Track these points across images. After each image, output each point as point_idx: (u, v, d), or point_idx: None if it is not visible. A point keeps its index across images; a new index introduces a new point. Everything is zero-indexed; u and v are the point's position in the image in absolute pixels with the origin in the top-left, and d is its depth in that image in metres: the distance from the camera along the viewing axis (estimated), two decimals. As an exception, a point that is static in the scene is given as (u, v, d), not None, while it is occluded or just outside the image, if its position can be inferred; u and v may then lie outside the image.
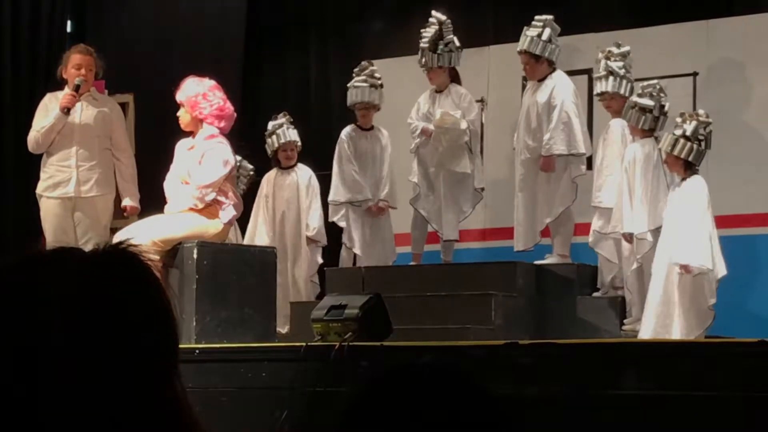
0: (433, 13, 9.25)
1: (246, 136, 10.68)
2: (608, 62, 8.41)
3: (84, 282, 1.50)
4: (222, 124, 7.88)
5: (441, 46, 9.13)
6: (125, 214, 8.34)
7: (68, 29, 11.52)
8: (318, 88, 11.43)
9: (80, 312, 1.47)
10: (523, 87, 9.82)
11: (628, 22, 9.47)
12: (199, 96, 7.82)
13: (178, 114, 7.90)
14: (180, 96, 7.87)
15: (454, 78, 9.26)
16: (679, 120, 7.87)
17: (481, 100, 10.10)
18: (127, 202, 8.35)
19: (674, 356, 6.04)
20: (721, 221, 8.71)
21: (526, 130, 8.69)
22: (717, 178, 8.92)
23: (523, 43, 8.64)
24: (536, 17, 8.72)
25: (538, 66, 8.68)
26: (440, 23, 9.16)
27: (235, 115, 7.97)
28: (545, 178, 8.60)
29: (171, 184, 7.91)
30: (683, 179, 7.81)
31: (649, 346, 6.58)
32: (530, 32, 8.64)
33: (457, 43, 9.14)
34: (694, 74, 9.32)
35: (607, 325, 8.05)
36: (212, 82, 7.95)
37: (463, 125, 9.05)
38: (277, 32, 11.45)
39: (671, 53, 9.33)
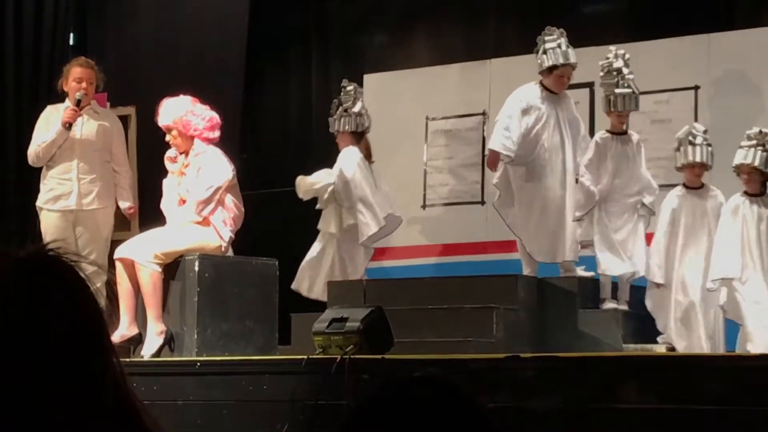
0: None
1: (247, 149, 10.70)
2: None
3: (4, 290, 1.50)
4: (216, 134, 7.90)
5: (340, 111, 9.24)
6: (129, 214, 8.31)
7: (70, 42, 11.53)
8: (319, 101, 11.43)
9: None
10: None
11: (629, 35, 9.48)
12: (189, 113, 7.81)
13: (168, 140, 7.88)
14: (165, 120, 7.85)
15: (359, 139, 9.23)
16: (754, 134, 7.89)
17: (483, 113, 10.12)
18: (130, 203, 8.35)
19: (675, 370, 6.04)
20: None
21: (570, 146, 8.58)
22: (719, 191, 8.93)
23: (574, 56, 8.53)
24: (553, 29, 8.61)
25: None
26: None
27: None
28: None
29: (168, 202, 7.92)
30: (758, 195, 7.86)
31: (650, 360, 6.58)
32: (565, 44, 8.54)
33: (357, 109, 9.21)
34: (696, 88, 9.33)
35: (609, 339, 8.04)
36: (188, 97, 7.95)
37: (320, 183, 9.05)
38: (279, 45, 11.47)
39: (673, 67, 9.34)
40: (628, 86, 8.31)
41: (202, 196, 7.75)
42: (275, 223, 10.82)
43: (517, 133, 8.45)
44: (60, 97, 8.43)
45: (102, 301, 1.58)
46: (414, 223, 10.23)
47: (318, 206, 9.13)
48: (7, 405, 1.46)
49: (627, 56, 8.39)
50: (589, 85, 9.37)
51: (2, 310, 1.49)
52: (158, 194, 8.14)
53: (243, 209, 8.00)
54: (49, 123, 8.28)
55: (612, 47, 8.48)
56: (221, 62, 11.13)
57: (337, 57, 11.36)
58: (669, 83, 9.27)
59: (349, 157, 9.03)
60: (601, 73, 8.38)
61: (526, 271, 8.58)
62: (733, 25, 9.47)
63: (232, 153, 8.34)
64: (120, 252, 7.73)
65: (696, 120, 9.21)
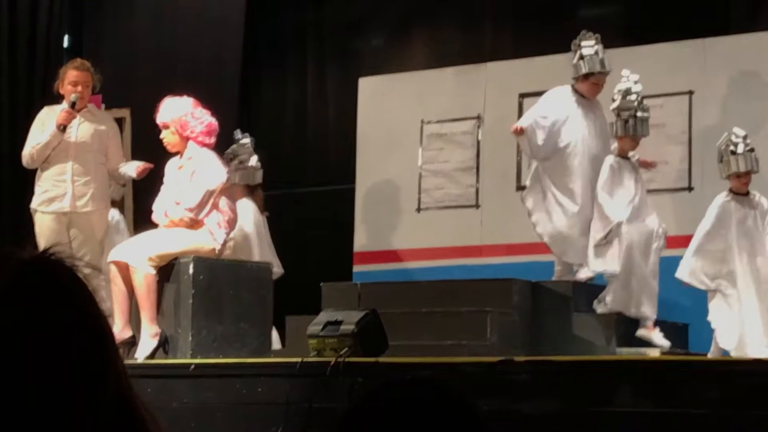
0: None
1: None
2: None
3: (3, 293, 1.51)
4: (212, 140, 7.91)
5: (235, 163, 9.35)
6: (140, 171, 8.28)
7: (65, 44, 11.53)
8: (315, 103, 11.45)
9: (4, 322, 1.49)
10: (520, 105, 9.82)
11: (624, 40, 9.49)
12: (188, 115, 7.81)
13: (162, 136, 7.88)
14: (164, 117, 7.85)
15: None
16: None
17: (478, 117, 10.13)
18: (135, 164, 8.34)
19: (670, 374, 6.05)
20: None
21: (604, 149, 8.54)
22: (712, 196, 8.94)
23: (609, 63, 8.49)
24: (589, 33, 8.55)
25: None
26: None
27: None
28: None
29: (163, 204, 7.91)
30: None
31: (644, 364, 6.58)
32: (602, 51, 8.50)
33: (252, 163, 9.38)
34: (690, 93, 9.34)
35: (603, 342, 8.04)
36: (191, 99, 7.95)
37: None
38: (275, 48, 11.47)
39: (667, 72, 9.34)
40: (647, 111, 8.27)
41: (195, 201, 7.74)
42: (270, 225, 10.81)
43: (545, 128, 8.46)
44: (57, 98, 8.42)
45: (106, 306, 1.60)
46: (409, 227, 10.24)
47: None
48: (3, 408, 1.46)
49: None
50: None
51: (2, 311, 1.49)
52: (154, 196, 8.13)
53: (237, 212, 7.99)
54: (44, 124, 8.27)
55: (624, 71, 8.40)
56: (217, 64, 11.13)
57: (333, 59, 11.36)
58: (664, 88, 9.27)
59: (246, 212, 9.14)
60: (618, 97, 8.29)
61: (579, 275, 8.51)
62: (728, 30, 9.48)
63: (227, 156, 8.34)
64: (114, 255, 7.72)
65: (690, 125, 9.23)
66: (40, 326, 1.49)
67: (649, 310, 8.11)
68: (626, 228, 8.10)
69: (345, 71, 11.03)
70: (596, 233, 8.20)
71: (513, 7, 10.44)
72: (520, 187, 9.76)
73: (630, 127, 8.24)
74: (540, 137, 8.45)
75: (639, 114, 8.23)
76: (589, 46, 8.44)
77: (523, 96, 9.83)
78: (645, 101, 8.28)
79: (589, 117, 8.50)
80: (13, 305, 1.50)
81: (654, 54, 9.40)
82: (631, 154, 8.38)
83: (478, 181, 10.10)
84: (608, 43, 9.13)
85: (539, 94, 9.56)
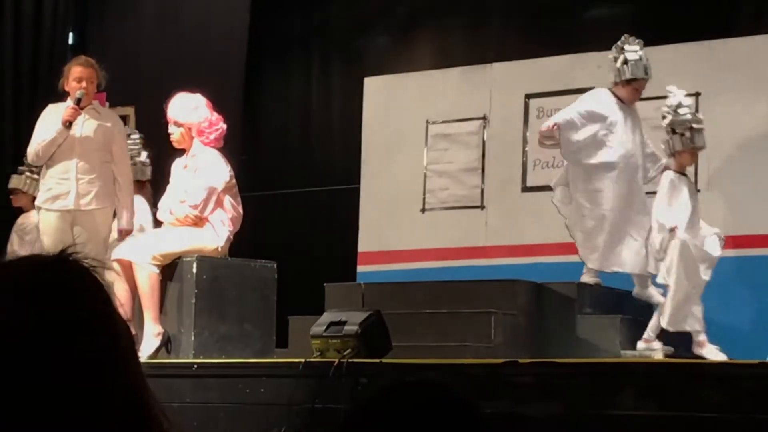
0: None
1: (247, 151, 10.69)
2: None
3: (23, 294, 1.50)
4: (220, 144, 7.95)
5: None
6: (119, 237, 8.24)
7: (70, 41, 11.53)
8: (320, 103, 11.44)
9: (20, 322, 1.47)
10: (526, 105, 9.81)
11: (631, 41, 9.47)
12: (207, 121, 7.85)
13: (171, 132, 7.88)
14: (177, 116, 7.85)
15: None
16: None
17: (483, 118, 10.11)
18: (121, 225, 8.25)
19: (674, 377, 6.03)
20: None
21: (642, 153, 8.47)
22: (718, 198, 8.92)
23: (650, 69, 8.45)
24: (632, 38, 8.48)
25: None
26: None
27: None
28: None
29: (168, 203, 7.92)
30: None
31: (648, 367, 6.56)
32: (645, 56, 8.43)
33: (142, 158, 9.34)
34: (696, 94, 9.32)
35: (607, 345, 8.02)
36: (204, 99, 7.95)
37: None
38: (280, 48, 11.46)
39: (673, 73, 9.31)
40: (701, 122, 8.19)
41: (199, 198, 7.74)
42: (274, 225, 10.81)
43: (581, 131, 8.36)
44: (61, 96, 8.41)
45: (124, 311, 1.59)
46: (413, 227, 10.23)
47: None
48: (5, 411, 1.45)
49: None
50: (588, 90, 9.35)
51: (17, 311, 1.48)
52: (158, 194, 8.13)
53: (241, 211, 7.99)
54: (49, 122, 8.25)
55: (670, 87, 8.31)
56: (222, 63, 11.13)
57: (337, 60, 11.36)
58: (670, 89, 9.26)
59: (142, 209, 9.04)
60: (670, 113, 8.15)
61: (584, 278, 8.44)
62: (734, 32, 9.46)
63: (231, 154, 8.33)
64: (117, 253, 7.71)
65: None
66: (51, 327, 1.48)
67: (697, 325, 7.98)
68: (682, 237, 7.99)
69: (350, 71, 11.02)
70: (656, 246, 8.11)
71: (519, 8, 10.43)
72: (526, 189, 9.77)
73: (687, 139, 8.13)
74: (576, 134, 8.34)
75: (695, 125, 8.15)
76: (633, 51, 8.36)
77: (528, 97, 9.82)
78: (697, 113, 8.20)
79: (627, 122, 8.42)
80: (27, 305, 1.49)
81: (661, 56, 9.37)
82: (688, 169, 8.29)
83: (483, 181, 10.09)
84: (613, 44, 9.11)
85: (545, 95, 9.57)
